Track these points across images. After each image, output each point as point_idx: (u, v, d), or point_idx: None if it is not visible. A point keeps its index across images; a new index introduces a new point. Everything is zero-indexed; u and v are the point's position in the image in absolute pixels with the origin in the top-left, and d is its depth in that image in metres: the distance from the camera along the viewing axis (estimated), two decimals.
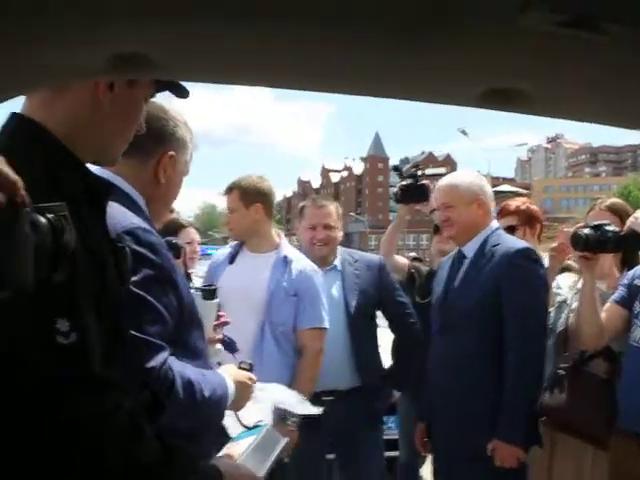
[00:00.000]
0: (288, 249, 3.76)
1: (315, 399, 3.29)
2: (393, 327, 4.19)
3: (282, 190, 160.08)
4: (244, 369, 2.22)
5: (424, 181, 4.38)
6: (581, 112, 1.18)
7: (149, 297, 1.77)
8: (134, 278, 1.68)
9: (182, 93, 1.83)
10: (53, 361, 1.22)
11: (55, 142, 1.47)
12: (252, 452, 1.91)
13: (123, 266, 1.50)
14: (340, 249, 4.04)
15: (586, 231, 3.06)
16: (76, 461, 1.26)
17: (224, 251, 4.19)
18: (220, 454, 1.90)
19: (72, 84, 1.53)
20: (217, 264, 4.01)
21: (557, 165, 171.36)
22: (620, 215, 3.40)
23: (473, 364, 3.22)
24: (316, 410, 2.70)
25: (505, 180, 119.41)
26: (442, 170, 4.92)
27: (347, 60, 0.94)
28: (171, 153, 2.05)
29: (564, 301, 3.49)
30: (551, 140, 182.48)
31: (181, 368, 1.83)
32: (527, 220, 4.00)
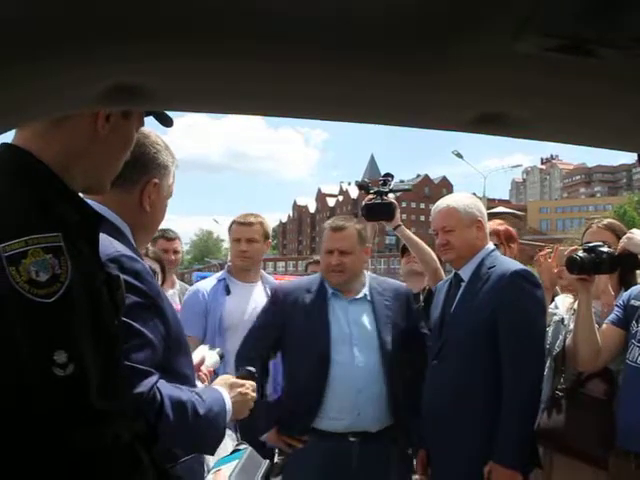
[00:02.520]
0: (269, 279, 4.22)
1: (341, 439, 3.33)
2: (414, 361, 3.72)
3: (278, 215, 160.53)
4: (245, 377, 2.22)
5: (390, 197, 4.37)
6: (575, 135, 1.18)
7: (135, 324, 1.79)
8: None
9: (166, 122, 1.87)
10: (51, 393, 1.23)
11: (49, 173, 1.46)
12: (238, 476, 1.90)
13: (117, 295, 1.50)
14: (367, 275, 3.76)
15: (580, 254, 3.07)
16: None
17: (206, 284, 4.42)
18: None
19: (70, 115, 1.54)
20: (212, 296, 4.18)
21: (552, 186, 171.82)
22: (617, 234, 3.41)
23: (471, 388, 3.21)
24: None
25: (500, 202, 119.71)
26: (407, 186, 4.93)
27: (342, 88, 0.94)
28: (155, 180, 2.06)
29: (561, 321, 3.49)
30: (546, 161, 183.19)
31: (170, 391, 1.83)
32: (506, 239, 4.13)
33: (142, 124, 1.79)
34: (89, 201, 1.75)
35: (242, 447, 2.12)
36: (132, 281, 1.79)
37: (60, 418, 1.24)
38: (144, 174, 2.03)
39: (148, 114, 1.82)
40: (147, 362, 1.78)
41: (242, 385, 2.17)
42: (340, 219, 3.77)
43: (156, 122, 1.86)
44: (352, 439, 3.39)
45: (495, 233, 4.01)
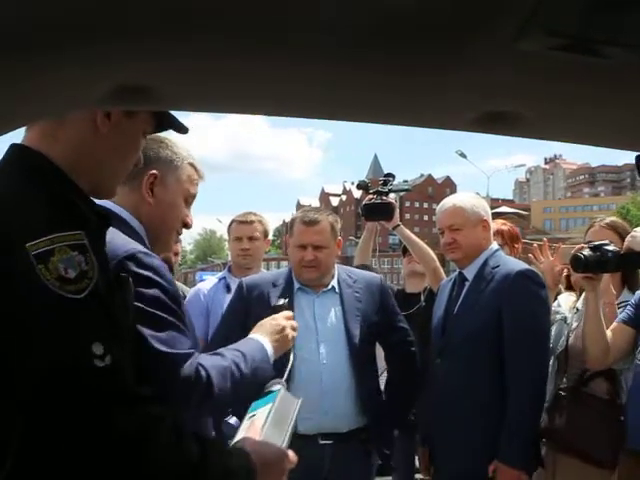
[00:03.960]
0: None
1: (311, 442, 3.15)
2: (391, 357, 3.68)
3: (281, 214, 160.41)
4: (276, 311, 2.32)
5: (390, 197, 4.36)
6: (579, 135, 1.18)
7: (165, 315, 1.80)
8: (147, 298, 1.76)
9: (181, 129, 1.87)
10: (94, 384, 1.28)
11: (61, 173, 1.49)
12: (272, 424, 1.88)
13: (127, 296, 1.55)
14: (337, 267, 3.54)
15: (585, 252, 3.06)
16: (125, 474, 1.32)
17: (206, 284, 4.47)
18: (241, 432, 1.88)
19: (73, 114, 1.55)
20: (212, 295, 4.19)
21: (555, 186, 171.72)
22: (620, 233, 3.41)
23: (475, 387, 3.21)
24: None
25: (504, 201, 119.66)
26: (407, 186, 4.93)
27: (347, 89, 0.94)
28: (153, 172, 2.05)
29: (564, 320, 3.48)
30: (549, 161, 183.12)
31: (212, 361, 1.90)
32: (510, 240, 4.12)
33: (151, 129, 1.77)
34: (105, 200, 1.79)
35: (275, 388, 2.10)
36: (153, 276, 1.81)
37: (104, 405, 1.28)
38: (142, 167, 2.03)
39: (163, 126, 1.82)
40: (186, 345, 1.82)
41: (277, 324, 2.24)
42: (312, 212, 3.53)
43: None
44: (322, 441, 3.24)
45: (499, 233, 4.01)
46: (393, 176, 4.46)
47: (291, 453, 1.75)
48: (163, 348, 1.75)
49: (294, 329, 2.29)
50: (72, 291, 1.27)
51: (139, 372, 1.43)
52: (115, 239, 1.76)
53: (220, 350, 1.99)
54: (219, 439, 1.94)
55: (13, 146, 1.53)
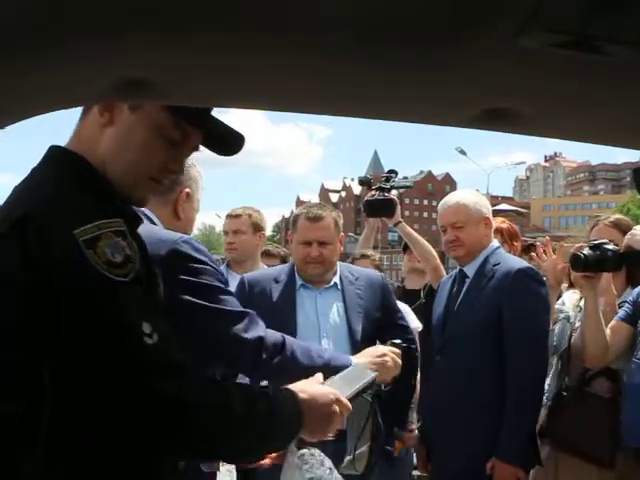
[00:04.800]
0: None
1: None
2: None
3: (280, 210, 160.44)
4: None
5: (392, 193, 4.35)
6: (579, 132, 1.18)
7: (222, 285, 2.17)
8: (207, 272, 2.08)
9: (228, 151, 1.78)
10: (146, 359, 1.35)
11: (96, 172, 1.54)
12: (339, 378, 1.89)
13: (157, 291, 1.59)
14: (339, 264, 3.52)
15: (585, 251, 3.06)
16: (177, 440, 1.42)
17: None
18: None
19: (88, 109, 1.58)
20: None
21: (555, 183, 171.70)
22: (624, 231, 3.39)
23: (475, 384, 3.21)
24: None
25: (504, 199, 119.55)
26: (409, 182, 4.92)
27: (346, 83, 0.94)
28: (187, 190, 2.20)
29: (567, 319, 3.48)
30: (549, 159, 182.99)
31: (292, 340, 2.26)
32: (509, 237, 4.11)
33: (196, 148, 1.71)
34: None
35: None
36: (204, 258, 2.09)
37: (155, 378, 1.36)
38: (177, 184, 2.15)
39: (209, 144, 1.73)
40: (240, 308, 2.21)
41: (378, 350, 2.39)
42: (315, 207, 3.50)
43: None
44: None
45: (498, 231, 4.00)
46: (395, 172, 4.46)
47: (344, 399, 1.77)
48: (228, 307, 2.10)
49: (398, 366, 2.38)
50: (120, 274, 1.34)
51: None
52: (161, 230, 1.99)
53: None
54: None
55: (52, 147, 1.58)
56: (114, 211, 1.44)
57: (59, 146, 1.58)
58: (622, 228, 3.45)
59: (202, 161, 2.24)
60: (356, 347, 3.24)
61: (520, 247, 4.27)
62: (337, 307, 3.39)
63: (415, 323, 4.17)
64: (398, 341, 2.33)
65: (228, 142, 1.74)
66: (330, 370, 2.01)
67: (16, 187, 1.52)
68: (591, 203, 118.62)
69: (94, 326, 1.31)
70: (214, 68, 0.90)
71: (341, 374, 1.95)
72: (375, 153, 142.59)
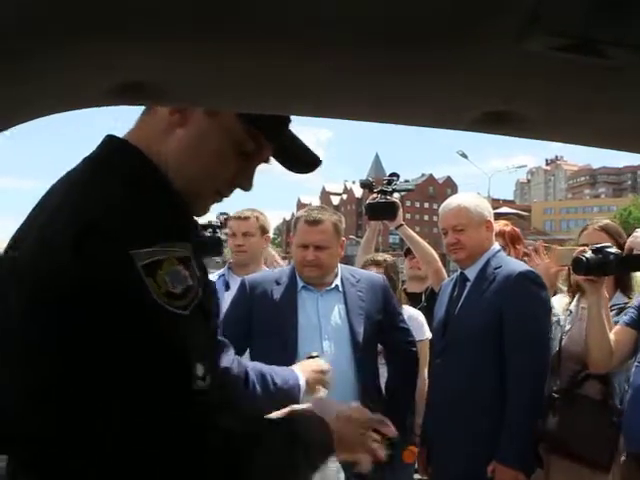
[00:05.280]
0: None
1: None
2: (392, 357, 3.69)
3: (281, 213, 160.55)
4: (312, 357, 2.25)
5: (394, 196, 4.35)
6: (580, 136, 1.18)
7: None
8: None
9: (301, 168, 1.66)
10: (191, 404, 1.22)
11: (161, 175, 1.41)
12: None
13: (212, 301, 1.47)
14: (340, 267, 3.53)
15: (587, 255, 3.05)
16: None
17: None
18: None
19: (156, 109, 1.45)
20: None
21: (557, 187, 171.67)
22: (612, 235, 3.39)
23: (475, 387, 3.20)
24: None
25: (505, 202, 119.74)
26: (411, 185, 4.92)
27: (346, 85, 0.94)
28: None
29: (557, 322, 3.48)
30: (550, 162, 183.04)
31: (251, 364, 1.96)
32: (511, 241, 4.11)
33: (253, 147, 1.51)
34: None
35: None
36: None
37: (197, 424, 1.24)
38: None
39: (283, 161, 1.61)
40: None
41: (317, 364, 2.19)
42: (315, 210, 3.48)
43: None
44: None
45: (501, 234, 4.00)
46: (397, 175, 4.46)
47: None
48: None
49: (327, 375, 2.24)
50: (179, 307, 1.20)
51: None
52: None
53: (255, 362, 2.04)
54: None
55: (112, 140, 1.44)
56: (184, 230, 1.34)
57: (120, 139, 1.43)
58: (611, 232, 3.45)
59: None
60: (357, 349, 3.31)
61: (522, 251, 4.26)
62: (338, 309, 3.39)
63: (428, 334, 4.18)
64: (314, 354, 2.28)
65: (301, 159, 1.62)
66: (286, 394, 1.95)
67: (66, 181, 1.36)
68: (592, 206, 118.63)
69: (144, 363, 1.18)
70: (215, 71, 0.89)
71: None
72: (376, 156, 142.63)
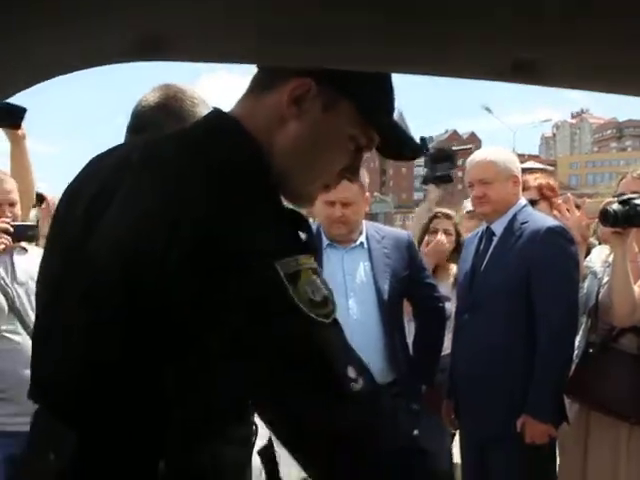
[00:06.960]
0: None
1: None
2: (418, 312, 3.70)
3: None
4: None
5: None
6: (611, 83, 1.15)
7: None
8: None
9: (401, 157, 1.60)
10: (354, 407, 1.19)
11: (268, 164, 1.34)
12: None
13: None
14: (365, 223, 3.52)
15: (614, 207, 3.01)
16: None
17: None
18: None
19: (270, 88, 1.37)
20: None
21: (582, 141, 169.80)
22: None
23: (503, 342, 3.21)
24: None
25: (530, 157, 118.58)
26: (469, 145, 4.91)
27: (372, 36, 0.92)
28: None
29: (594, 274, 3.44)
30: (576, 115, 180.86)
31: None
32: (547, 193, 4.05)
33: (366, 142, 1.46)
34: None
35: None
36: None
37: (368, 428, 1.22)
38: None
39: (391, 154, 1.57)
40: None
41: None
42: None
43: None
44: None
45: (537, 188, 3.97)
46: (425, 139, 4.48)
47: None
48: None
49: None
50: (322, 315, 1.17)
51: None
52: None
53: None
54: None
55: (223, 118, 1.37)
56: (309, 242, 1.29)
57: (235, 123, 1.33)
58: None
59: None
60: (383, 306, 3.32)
61: (557, 203, 4.19)
62: (364, 266, 3.39)
63: None
64: None
65: (407, 146, 1.56)
66: None
67: (156, 169, 1.26)
68: (619, 160, 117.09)
69: (299, 373, 1.16)
70: (238, 19, 0.88)
71: None
72: (400, 114, 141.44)
